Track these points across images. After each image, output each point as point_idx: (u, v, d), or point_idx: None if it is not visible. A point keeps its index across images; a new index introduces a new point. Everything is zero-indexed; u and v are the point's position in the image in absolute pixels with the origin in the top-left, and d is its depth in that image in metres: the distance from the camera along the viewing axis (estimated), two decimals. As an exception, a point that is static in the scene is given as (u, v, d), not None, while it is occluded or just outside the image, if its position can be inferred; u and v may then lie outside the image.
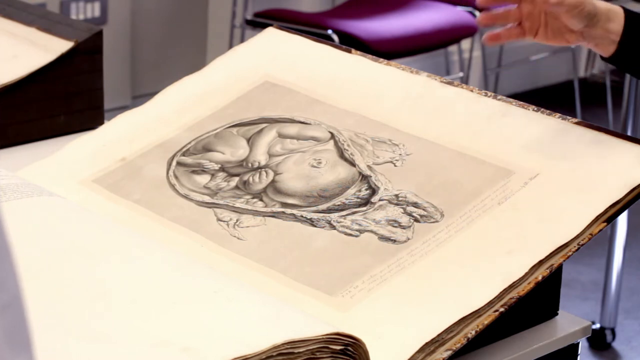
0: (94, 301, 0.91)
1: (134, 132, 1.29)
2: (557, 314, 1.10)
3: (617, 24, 1.22)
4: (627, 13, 1.23)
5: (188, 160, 1.23)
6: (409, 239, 1.06)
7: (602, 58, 1.25)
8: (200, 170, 1.21)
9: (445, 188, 1.12)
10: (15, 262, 0.53)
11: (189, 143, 1.25)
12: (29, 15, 1.53)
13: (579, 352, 1.11)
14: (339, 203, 1.12)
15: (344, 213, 1.11)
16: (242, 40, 3.45)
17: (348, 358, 0.88)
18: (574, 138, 1.14)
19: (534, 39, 1.25)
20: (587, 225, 1.03)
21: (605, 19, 1.22)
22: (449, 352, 0.95)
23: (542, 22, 1.24)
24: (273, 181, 1.17)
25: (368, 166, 1.16)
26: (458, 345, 0.95)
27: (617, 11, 1.23)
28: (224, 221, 1.12)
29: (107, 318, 0.89)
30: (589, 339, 2.77)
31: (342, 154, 1.19)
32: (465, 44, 3.99)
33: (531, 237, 1.03)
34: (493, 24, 1.29)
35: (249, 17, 3.50)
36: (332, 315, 0.98)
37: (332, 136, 1.22)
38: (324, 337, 0.86)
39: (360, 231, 1.08)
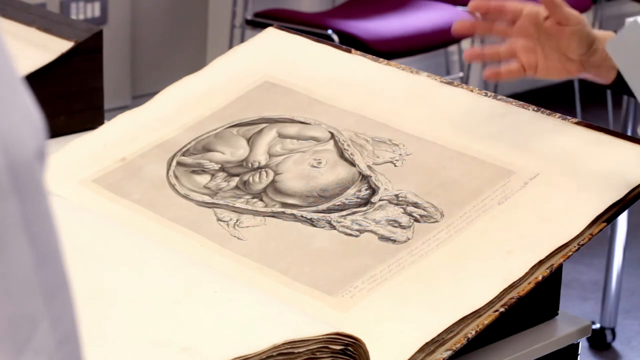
0: (94, 301, 0.91)
1: (134, 132, 1.29)
2: (557, 314, 1.10)
3: None
4: None
5: (188, 160, 1.23)
6: (409, 239, 1.06)
7: (604, 86, 1.23)
8: (200, 170, 1.21)
9: (445, 188, 1.12)
10: (73, 294, 0.53)
11: (189, 143, 1.25)
12: (29, 15, 1.53)
13: (579, 352, 1.11)
14: (339, 203, 1.12)
15: (344, 213, 1.11)
16: (242, 40, 3.45)
17: (348, 358, 0.88)
18: (574, 138, 1.14)
19: (534, 75, 1.20)
20: (587, 225, 1.03)
21: (603, 44, 1.20)
22: (449, 352, 0.95)
23: (539, 55, 1.20)
24: (273, 181, 1.17)
25: (368, 166, 1.16)
26: (458, 345, 0.95)
27: (611, 36, 1.21)
28: (224, 221, 1.12)
29: (107, 317, 0.89)
30: (589, 339, 2.77)
31: (342, 154, 1.19)
32: (465, 44, 3.99)
33: (531, 237, 1.03)
34: (481, 61, 1.26)
35: (249, 17, 3.50)
36: (332, 315, 0.98)
37: (332, 136, 1.22)
38: (324, 337, 0.86)
39: (360, 231, 1.08)
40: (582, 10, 4.02)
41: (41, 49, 1.45)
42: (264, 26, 1.60)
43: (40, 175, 0.51)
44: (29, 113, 0.51)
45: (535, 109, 1.19)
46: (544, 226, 1.04)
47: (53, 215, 0.52)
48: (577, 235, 1.02)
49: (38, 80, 1.43)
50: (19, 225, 0.50)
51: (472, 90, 1.24)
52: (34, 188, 0.50)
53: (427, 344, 0.94)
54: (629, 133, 2.66)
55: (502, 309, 0.98)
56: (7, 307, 0.49)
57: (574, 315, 1.11)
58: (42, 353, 0.50)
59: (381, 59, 1.31)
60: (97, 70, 1.48)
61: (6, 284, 0.49)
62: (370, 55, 1.33)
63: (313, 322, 0.89)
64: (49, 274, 0.51)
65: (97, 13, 3.52)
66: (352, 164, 1.17)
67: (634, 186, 1.06)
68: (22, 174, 0.50)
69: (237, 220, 1.12)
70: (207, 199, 1.16)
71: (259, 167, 1.19)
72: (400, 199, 1.11)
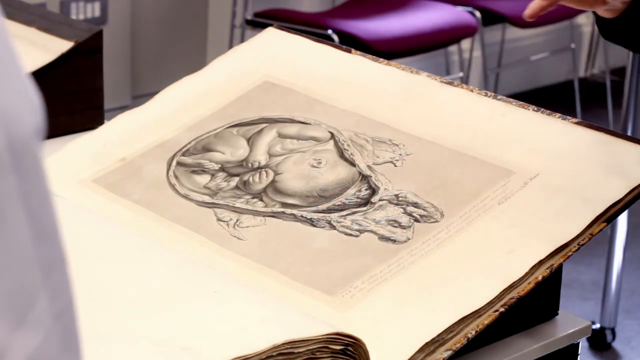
0: (94, 301, 0.91)
1: (134, 132, 1.29)
2: (557, 314, 1.10)
3: None
4: None
5: (188, 160, 1.23)
6: (409, 239, 1.06)
7: (608, 25, 1.18)
8: (200, 170, 1.21)
9: (445, 188, 1.12)
10: (70, 269, 0.54)
11: (189, 143, 1.26)
12: (29, 15, 1.53)
13: (579, 352, 1.11)
14: (339, 203, 1.12)
15: (344, 213, 1.11)
16: (242, 40, 3.45)
17: (348, 358, 0.88)
18: (574, 138, 1.14)
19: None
20: (587, 225, 1.03)
21: None
22: (449, 352, 0.95)
23: None
24: (273, 181, 1.17)
25: (368, 166, 1.16)
26: (458, 345, 0.95)
27: None
28: (224, 221, 1.12)
29: (107, 317, 0.89)
30: (589, 339, 2.77)
31: (342, 154, 1.19)
32: (465, 44, 3.99)
33: (531, 237, 1.03)
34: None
35: (249, 17, 3.50)
36: (332, 315, 0.98)
37: (332, 136, 1.22)
38: (324, 337, 0.86)
39: (360, 231, 1.08)
40: (581, 10, 4.02)
41: (41, 49, 1.45)
42: (264, 26, 1.61)
43: (38, 153, 0.51)
44: (27, 90, 0.51)
45: (535, 109, 1.19)
46: (544, 226, 1.04)
47: (51, 192, 0.52)
48: (577, 235, 1.02)
49: (38, 80, 1.43)
50: (18, 201, 0.50)
51: (472, 90, 1.24)
52: (32, 165, 0.51)
53: (427, 344, 0.94)
54: (629, 133, 2.66)
55: (502, 309, 0.98)
56: (7, 282, 0.49)
57: (574, 315, 1.11)
58: (40, 326, 0.51)
59: (381, 59, 1.31)
60: (97, 70, 1.48)
61: (5, 259, 0.49)
62: (370, 55, 1.33)
63: (313, 322, 0.89)
64: (47, 249, 0.52)
65: (97, 13, 3.53)
66: (352, 164, 1.17)
67: (634, 186, 1.06)
68: (21, 150, 0.50)
69: (237, 220, 1.12)
70: (207, 199, 1.16)
71: (259, 167, 1.19)
72: (400, 199, 1.11)
